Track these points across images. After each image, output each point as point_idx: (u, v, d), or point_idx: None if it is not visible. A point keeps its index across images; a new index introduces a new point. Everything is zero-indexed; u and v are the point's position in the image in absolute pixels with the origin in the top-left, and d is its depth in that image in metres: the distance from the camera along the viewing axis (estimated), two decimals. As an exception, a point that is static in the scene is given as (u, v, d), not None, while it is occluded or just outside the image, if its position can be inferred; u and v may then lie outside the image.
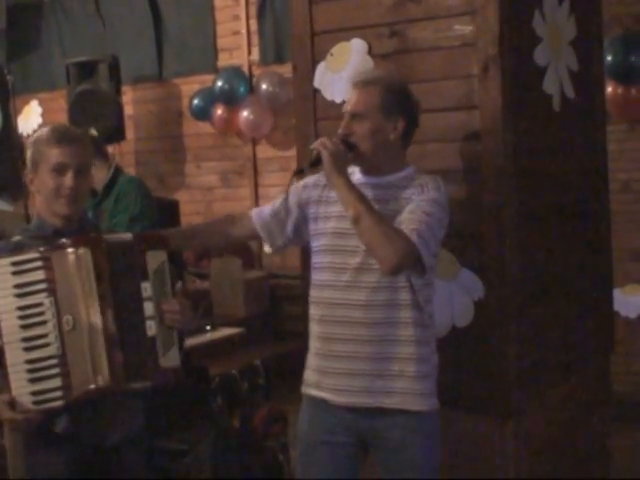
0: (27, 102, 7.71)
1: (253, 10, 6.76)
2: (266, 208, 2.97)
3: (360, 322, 2.68)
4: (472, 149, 3.39)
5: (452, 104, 3.42)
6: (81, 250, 2.50)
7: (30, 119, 7.65)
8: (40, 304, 2.50)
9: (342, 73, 3.58)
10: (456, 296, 3.42)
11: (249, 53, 6.87)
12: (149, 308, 2.55)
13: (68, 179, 2.61)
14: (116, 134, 6.74)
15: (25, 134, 7.39)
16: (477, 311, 3.39)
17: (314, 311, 2.81)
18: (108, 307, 2.50)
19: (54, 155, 2.62)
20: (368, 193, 2.72)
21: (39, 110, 7.68)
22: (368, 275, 2.69)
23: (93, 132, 6.57)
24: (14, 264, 2.51)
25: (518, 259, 3.32)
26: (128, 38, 7.17)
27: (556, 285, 3.64)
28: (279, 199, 2.92)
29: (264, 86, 6.73)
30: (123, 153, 7.19)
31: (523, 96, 3.40)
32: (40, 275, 2.50)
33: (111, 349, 2.49)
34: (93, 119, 6.58)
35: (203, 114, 6.84)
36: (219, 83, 6.72)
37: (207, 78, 6.87)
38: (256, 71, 6.85)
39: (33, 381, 2.48)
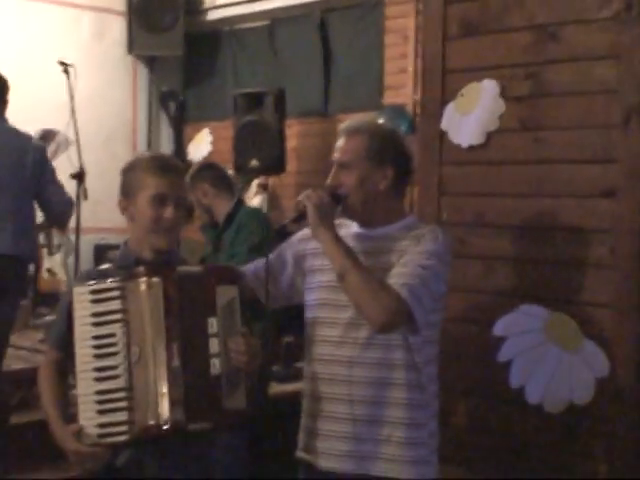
0: (199, 130, 7.77)
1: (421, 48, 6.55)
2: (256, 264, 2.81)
3: (348, 381, 2.51)
4: (606, 207, 3.04)
5: (588, 156, 3.11)
6: (153, 280, 2.39)
7: (201, 147, 7.71)
8: (113, 334, 2.41)
9: (471, 115, 3.35)
10: (576, 370, 3.07)
11: (414, 92, 6.65)
12: (214, 345, 2.39)
13: (169, 212, 2.49)
14: (277, 166, 6.67)
15: (194, 160, 7.46)
16: (598, 388, 3.03)
17: (306, 368, 2.66)
18: (174, 341, 2.37)
19: (154, 185, 2.50)
20: (362, 245, 2.56)
21: (209, 138, 7.72)
22: (359, 331, 2.50)
23: (254, 163, 6.61)
24: (93, 292, 2.45)
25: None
26: (297, 71, 7.12)
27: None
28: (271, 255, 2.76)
29: (427, 126, 6.47)
30: (283, 185, 7.12)
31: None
32: (116, 305, 2.42)
33: (172, 386, 2.34)
34: (256, 150, 6.55)
35: (363, 151, 6.67)
36: (381, 120, 6.54)
37: (371, 115, 6.71)
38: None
39: (101, 413, 2.39)
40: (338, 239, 2.47)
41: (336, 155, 2.63)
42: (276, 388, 4.81)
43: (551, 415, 3.12)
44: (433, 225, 2.65)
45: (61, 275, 6.35)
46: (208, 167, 4.33)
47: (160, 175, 2.50)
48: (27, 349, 4.81)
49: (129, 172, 2.58)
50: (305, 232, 2.71)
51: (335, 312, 2.55)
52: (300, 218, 2.54)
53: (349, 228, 2.64)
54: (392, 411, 2.49)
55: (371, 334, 2.47)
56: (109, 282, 2.44)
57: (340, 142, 2.62)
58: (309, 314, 2.65)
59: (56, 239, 6.72)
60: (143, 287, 2.40)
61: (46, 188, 4.30)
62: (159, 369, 2.36)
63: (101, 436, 2.37)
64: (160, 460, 2.49)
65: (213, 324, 2.40)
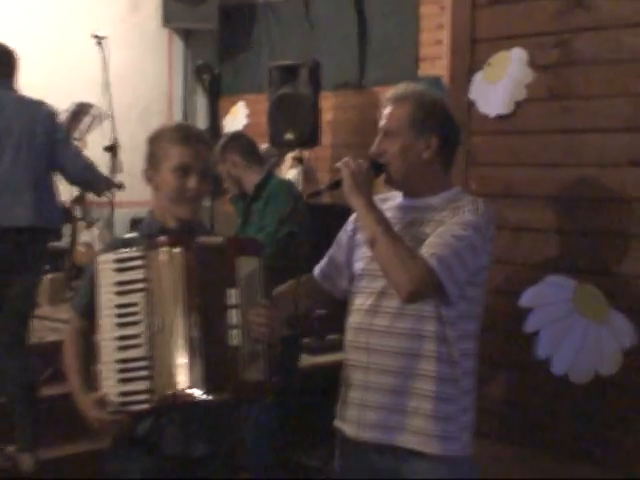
0: (234, 103, 7.79)
1: (458, 19, 6.48)
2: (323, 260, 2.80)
3: (378, 350, 2.48)
4: (635, 176, 3.01)
5: (616, 125, 3.06)
6: (173, 250, 2.40)
7: (236, 120, 7.73)
8: (136, 303, 2.42)
9: (499, 84, 3.32)
10: (604, 341, 3.05)
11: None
12: (234, 316, 2.39)
13: (192, 182, 2.50)
14: (312, 138, 6.68)
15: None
16: (625, 359, 3.01)
17: (344, 338, 2.65)
18: (193, 311, 2.36)
19: (178, 154, 2.50)
20: (403, 216, 2.52)
21: (245, 111, 7.74)
22: (391, 300, 2.46)
23: (289, 136, 6.61)
24: (117, 261, 2.46)
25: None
26: (332, 43, 7.09)
27: None
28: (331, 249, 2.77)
29: (463, 98, 6.41)
30: (318, 158, 7.12)
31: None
32: (139, 274, 2.42)
33: (191, 356, 2.35)
34: (291, 123, 6.56)
35: (398, 124, 6.63)
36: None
37: (406, 87, 6.66)
38: (457, 82, 6.55)
39: (123, 381, 2.40)
40: (372, 206, 2.43)
41: (381, 122, 2.56)
42: (308, 361, 4.82)
43: (577, 386, 3.10)
44: (475, 197, 2.57)
45: (97, 248, 6.42)
46: (237, 138, 4.34)
47: (184, 145, 2.50)
48: (62, 321, 4.87)
49: (154, 142, 2.58)
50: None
51: (371, 282, 2.53)
52: (336, 185, 2.51)
53: (395, 200, 2.60)
54: (421, 383, 2.45)
55: (403, 304, 2.43)
56: (132, 251, 2.45)
57: (386, 109, 2.56)
58: (352, 286, 2.63)
59: (92, 213, 6.81)
60: (164, 257, 2.40)
61: (59, 154, 4.24)
62: (178, 339, 2.36)
63: (123, 404, 2.39)
64: (180, 429, 2.51)
65: (233, 295, 2.39)
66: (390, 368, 2.47)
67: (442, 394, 2.45)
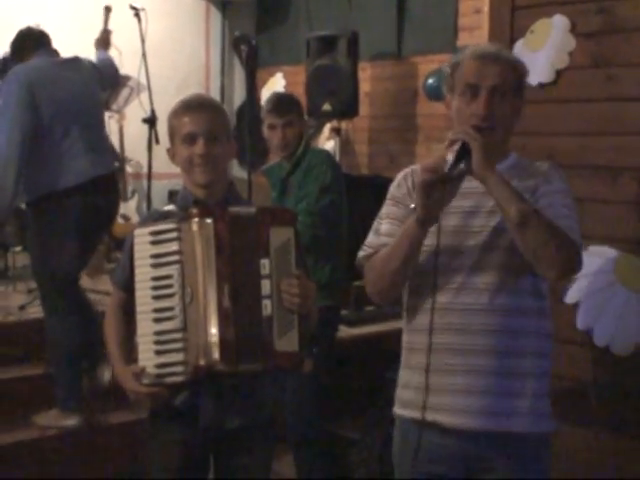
0: (272, 74, 7.79)
1: (498, -13, 6.41)
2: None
3: (480, 330, 2.31)
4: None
5: (660, 93, 3.02)
6: (204, 221, 2.40)
7: (274, 91, 7.73)
8: (171, 276, 2.43)
9: (540, 52, 3.29)
10: (645, 311, 3.03)
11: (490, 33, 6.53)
12: (266, 287, 2.39)
13: (199, 147, 2.51)
14: (350, 110, 6.65)
15: (267, 106, 7.49)
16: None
17: (412, 320, 2.44)
18: (224, 281, 2.37)
19: (183, 125, 2.54)
20: (477, 185, 2.26)
21: (283, 83, 7.74)
22: (483, 276, 2.31)
23: (327, 107, 6.60)
24: (152, 234, 2.47)
25: None
26: (370, 14, 7.04)
27: None
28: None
29: (503, 68, 6.34)
30: (356, 129, 7.10)
31: None
32: (174, 246, 2.43)
33: (223, 326, 2.35)
34: (329, 94, 6.54)
35: (437, 94, 6.57)
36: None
37: (445, 57, 6.60)
38: (496, 52, 6.48)
39: (159, 353, 2.42)
40: (509, 182, 2.19)
41: (483, 80, 2.29)
42: (346, 332, 4.84)
43: (619, 357, 3.08)
44: (546, 161, 2.44)
45: (135, 220, 6.47)
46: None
47: (186, 115, 2.53)
48: (102, 293, 4.92)
49: (169, 119, 2.62)
50: (398, 178, 2.50)
51: (453, 259, 2.34)
52: (460, 158, 2.17)
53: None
54: (525, 362, 2.32)
55: (498, 280, 2.30)
56: (167, 222, 2.47)
57: (484, 67, 2.30)
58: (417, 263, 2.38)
59: (130, 185, 6.85)
60: (195, 227, 2.40)
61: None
62: (210, 309, 2.37)
63: (159, 376, 2.41)
64: (216, 401, 2.53)
65: (265, 265, 2.39)
66: (494, 348, 2.30)
67: (541, 370, 2.36)
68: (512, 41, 3.38)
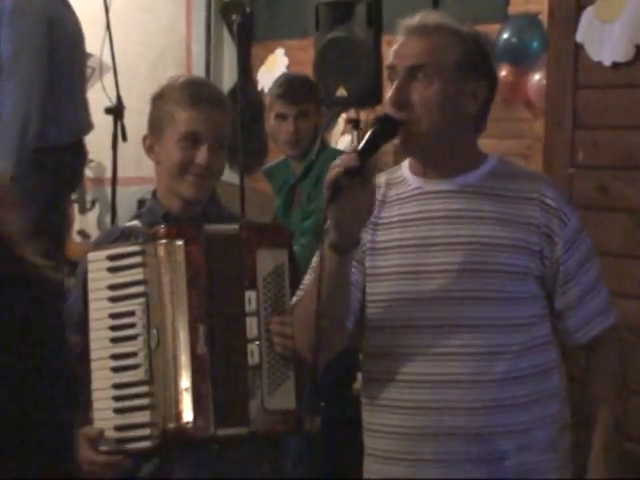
0: (271, 50, 7.80)
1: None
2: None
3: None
4: None
5: None
6: (174, 243, 2.41)
7: (273, 71, 7.68)
8: (132, 313, 2.45)
9: (615, 24, 3.31)
10: None
11: (551, -3, 6.56)
12: (252, 327, 2.41)
13: (201, 155, 2.53)
14: (371, 95, 6.63)
15: (265, 90, 7.47)
16: None
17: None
18: (199, 321, 2.39)
19: (186, 120, 2.53)
20: (440, 207, 2.32)
21: (285, 61, 7.74)
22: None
23: (342, 93, 6.60)
24: (110, 258, 2.48)
25: None
26: (397, -27, 7.09)
27: None
28: None
29: (567, 41, 6.38)
30: (379, 121, 7.11)
31: None
32: (137, 275, 2.45)
33: (198, 379, 2.37)
34: (343, 75, 6.53)
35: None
36: (505, 35, 6.46)
37: (493, 28, 6.62)
38: (559, 21, 6.51)
39: (119, 412, 2.43)
40: None
41: (400, 60, 2.28)
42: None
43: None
44: (538, 173, 2.55)
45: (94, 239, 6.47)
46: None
47: (193, 108, 2.53)
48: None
49: (157, 102, 2.63)
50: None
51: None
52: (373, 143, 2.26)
53: (406, 185, 2.41)
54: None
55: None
56: (128, 245, 2.48)
57: (407, 43, 2.29)
58: None
59: (90, 193, 6.84)
60: (162, 252, 2.41)
61: None
62: (181, 357, 2.38)
63: (120, 441, 2.41)
64: (191, 473, 2.52)
65: (251, 299, 2.41)
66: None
67: None
68: (579, 8, 3.39)
